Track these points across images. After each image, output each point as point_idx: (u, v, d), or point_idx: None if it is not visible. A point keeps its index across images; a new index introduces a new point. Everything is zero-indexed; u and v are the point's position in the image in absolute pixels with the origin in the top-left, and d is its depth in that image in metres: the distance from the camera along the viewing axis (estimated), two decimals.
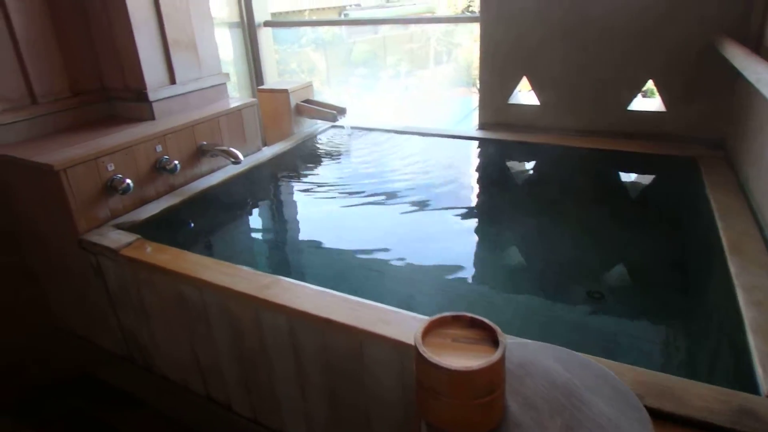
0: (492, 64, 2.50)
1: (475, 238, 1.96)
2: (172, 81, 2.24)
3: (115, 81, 2.23)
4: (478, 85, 2.59)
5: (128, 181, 1.88)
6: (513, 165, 2.47)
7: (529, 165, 2.47)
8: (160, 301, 1.70)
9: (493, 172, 2.42)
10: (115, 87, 2.24)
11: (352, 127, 2.79)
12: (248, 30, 3.07)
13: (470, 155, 2.54)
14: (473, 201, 2.22)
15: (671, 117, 2.26)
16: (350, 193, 2.25)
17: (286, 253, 1.99)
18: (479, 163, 2.48)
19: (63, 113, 2.14)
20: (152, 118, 2.17)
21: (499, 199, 2.22)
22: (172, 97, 2.23)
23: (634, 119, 2.32)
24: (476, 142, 2.54)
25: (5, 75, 1.96)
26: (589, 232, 1.87)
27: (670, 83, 2.23)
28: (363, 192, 2.25)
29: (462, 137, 2.57)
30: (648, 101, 2.40)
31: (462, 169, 2.47)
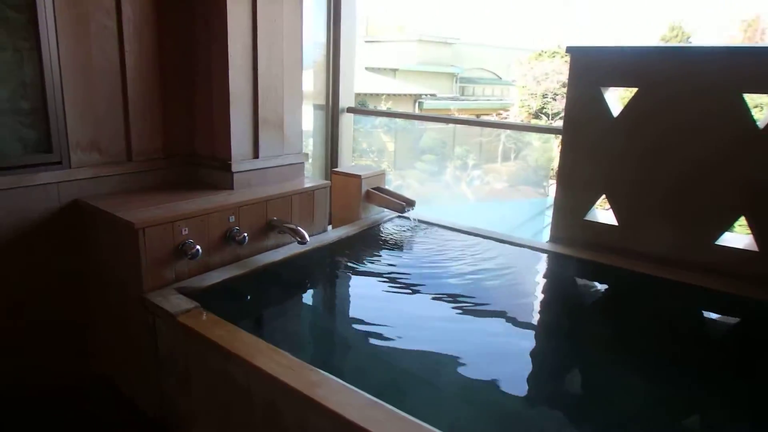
0: (570, 177, 2.47)
1: (533, 358, 1.84)
2: (256, 155, 2.35)
3: (204, 148, 2.36)
4: (553, 197, 2.55)
5: (198, 247, 1.93)
6: (582, 286, 2.35)
7: (601, 288, 2.35)
8: (206, 374, 1.67)
9: (559, 290, 2.31)
10: (203, 154, 2.37)
11: (419, 220, 2.78)
12: (331, 113, 3.23)
13: (538, 267, 2.45)
14: (534, 316, 2.11)
15: (763, 259, 2.11)
16: (410, 287, 2.20)
17: (337, 344, 1.94)
18: (546, 278, 2.39)
19: (153, 172, 2.27)
20: (231, 187, 2.26)
21: (562, 321, 2.10)
22: (252, 170, 2.33)
23: (721, 254, 2.18)
24: (545, 255, 2.46)
25: (112, 132, 2.12)
26: (662, 381, 1.69)
27: (763, 223, 2.10)
28: (422, 287, 2.20)
29: (532, 248, 2.50)
30: (737, 236, 2.26)
31: (527, 279, 2.38)
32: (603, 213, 2.51)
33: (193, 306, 1.76)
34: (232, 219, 2.08)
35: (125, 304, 1.96)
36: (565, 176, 2.48)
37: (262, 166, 2.36)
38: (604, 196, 2.41)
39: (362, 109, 3.29)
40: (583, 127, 2.42)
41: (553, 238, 2.53)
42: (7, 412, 1.98)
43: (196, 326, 1.66)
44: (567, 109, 2.45)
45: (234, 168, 2.24)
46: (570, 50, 2.42)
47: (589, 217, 2.46)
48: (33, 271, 1.98)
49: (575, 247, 2.44)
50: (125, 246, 1.86)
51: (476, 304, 2.09)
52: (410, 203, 2.72)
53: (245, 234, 2.09)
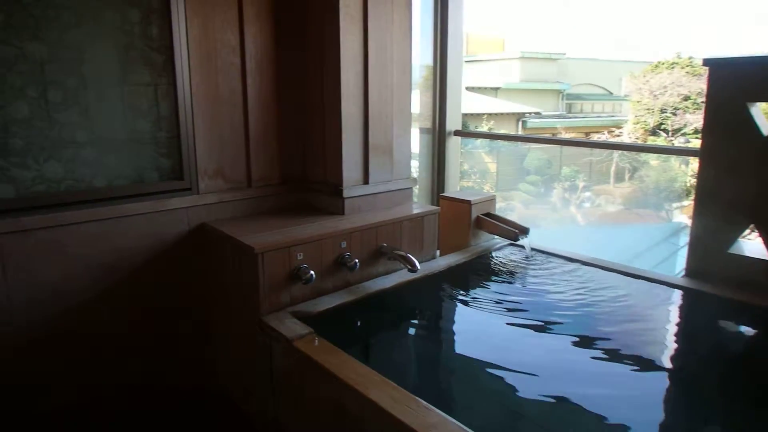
0: (710, 204, 2.20)
1: (671, 408, 1.62)
2: (366, 181, 2.37)
3: (317, 174, 2.43)
4: (690, 225, 2.29)
5: (312, 272, 1.96)
6: (725, 329, 2.06)
7: (749, 333, 2.04)
8: (319, 401, 1.67)
9: (697, 334, 2.04)
10: (316, 180, 2.43)
11: (533, 249, 2.63)
12: (438, 137, 3.19)
13: (671, 305, 2.19)
14: (667, 361, 1.87)
15: None
16: (524, 320, 2.07)
17: (446, 377, 1.86)
18: (682, 318, 2.13)
19: (270, 197, 2.37)
20: (342, 212, 2.29)
21: (703, 372, 1.83)
22: (363, 195, 2.35)
23: None
24: (680, 292, 2.20)
25: (234, 159, 2.25)
26: None
27: None
28: (537, 321, 2.06)
29: (664, 282, 2.25)
30: None
31: (658, 318, 2.13)
32: (751, 244, 2.20)
33: (308, 331, 1.79)
34: (344, 245, 2.10)
35: (243, 324, 2.04)
36: (705, 202, 2.22)
37: (371, 191, 2.37)
38: (752, 225, 2.11)
39: (470, 131, 3.22)
40: (725, 147, 2.15)
41: (690, 272, 2.26)
42: (130, 415, 2.13)
43: (311, 353, 1.67)
44: (706, 127, 2.19)
45: (345, 193, 2.27)
46: (708, 62, 2.17)
47: (734, 249, 2.16)
48: (164, 288, 2.14)
49: (716, 284, 2.16)
50: (246, 269, 1.94)
51: (598, 344, 1.90)
52: (523, 231, 2.58)
53: (356, 260, 2.10)
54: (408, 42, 2.41)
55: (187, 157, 2.11)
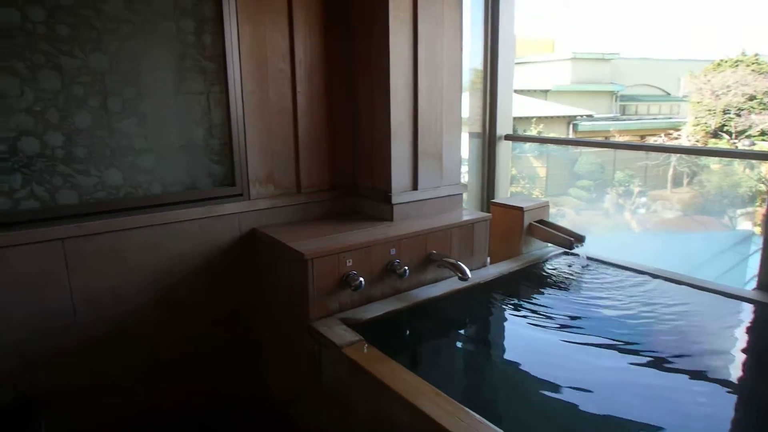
0: None
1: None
2: (415, 187, 2.33)
3: (365, 180, 2.41)
4: (761, 234, 2.12)
5: (361, 279, 1.94)
6: None
7: None
8: (368, 408, 1.65)
9: None
10: (365, 186, 2.42)
11: (589, 258, 2.52)
12: (488, 141, 3.11)
13: (740, 319, 2.04)
14: (736, 383, 1.73)
15: None
16: (579, 334, 1.97)
17: (497, 389, 1.79)
18: (751, 335, 1.97)
19: (319, 203, 2.37)
20: (391, 219, 2.26)
21: None
22: (411, 202, 2.31)
23: None
24: (751, 306, 2.04)
25: (284, 166, 2.26)
26: None
27: None
28: (593, 335, 1.95)
29: (732, 295, 2.10)
30: None
31: (726, 334, 1.98)
32: None
33: (357, 339, 1.76)
34: (393, 252, 2.07)
35: (292, 329, 2.04)
36: None
37: (420, 197, 2.33)
38: None
39: (521, 136, 3.13)
40: None
41: (763, 285, 2.09)
42: (179, 417, 2.17)
43: (360, 360, 1.65)
44: None
45: (394, 200, 2.24)
46: None
47: None
48: (216, 292, 2.17)
49: None
50: (296, 274, 1.94)
51: (658, 362, 1.78)
52: (579, 239, 2.47)
53: (406, 267, 2.06)
54: (459, 44, 2.36)
55: (239, 163, 2.14)
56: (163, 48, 1.95)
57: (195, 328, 2.14)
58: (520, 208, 2.54)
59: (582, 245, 2.50)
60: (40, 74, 1.73)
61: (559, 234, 2.50)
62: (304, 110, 2.27)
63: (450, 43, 2.32)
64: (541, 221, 2.60)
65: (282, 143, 2.24)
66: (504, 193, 3.09)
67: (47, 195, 1.81)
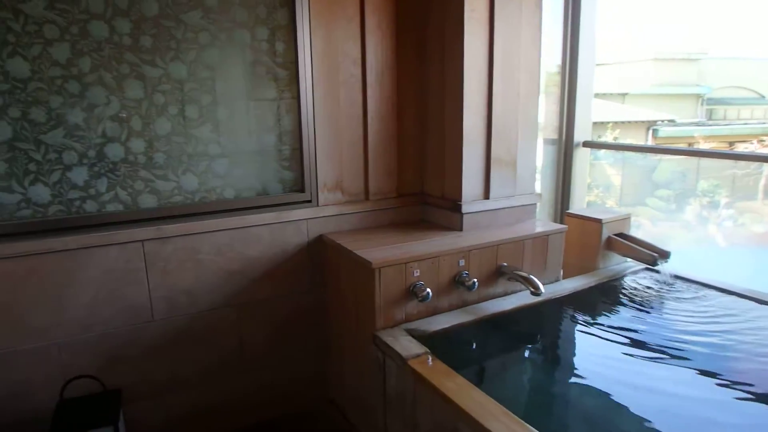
0: None
1: None
2: (486, 196, 2.24)
3: (435, 188, 2.35)
4: None
5: (429, 290, 1.88)
6: None
7: None
8: (432, 424, 1.59)
9: None
10: (433, 194, 2.36)
11: (675, 276, 2.32)
12: (564, 148, 2.96)
13: None
14: None
15: None
16: (660, 359, 1.81)
17: (571, 417, 1.66)
18: None
19: (386, 211, 2.34)
20: (460, 229, 2.19)
21: None
22: (482, 211, 2.22)
23: None
24: None
25: (353, 172, 2.25)
26: None
27: None
28: (677, 362, 1.78)
29: None
30: None
31: None
32: None
33: (423, 351, 1.71)
34: (462, 263, 2.00)
35: (358, 338, 2.02)
36: None
37: (492, 207, 2.24)
38: None
39: (601, 143, 2.95)
40: None
41: None
42: (246, 414, 2.19)
43: (426, 374, 1.59)
44: None
45: (464, 209, 2.17)
46: None
47: None
48: (283, 296, 2.19)
49: None
50: (362, 283, 1.92)
51: (751, 394, 1.59)
52: (663, 255, 2.29)
53: (475, 279, 1.98)
54: (537, 46, 2.25)
55: (309, 169, 2.15)
56: (238, 56, 1.99)
57: (261, 331, 2.17)
58: (599, 220, 2.39)
59: (667, 261, 2.31)
60: (125, 83, 1.81)
61: (642, 249, 2.33)
62: (374, 116, 2.25)
63: (528, 45, 2.22)
64: (621, 234, 2.43)
65: (351, 150, 2.23)
66: (580, 204, 2.92)
67: (129, 199, 1.89)
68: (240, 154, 2.06)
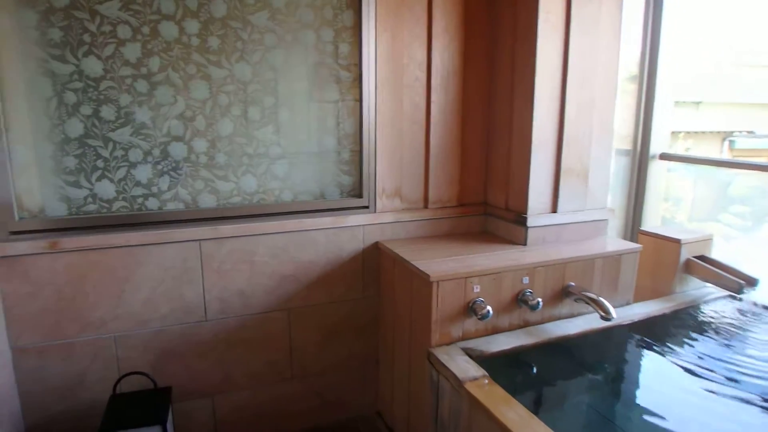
0: None
1: None
2: (554, 209, 2.11)
3: (498, 199, 2.23)
4: None
5: (489, 307, 1.77)
6: None
7: None
8: None
9: None
10: (497, 204, 2.24)
11: (765, 307, 2.10)
12: (639, 160, 2.76)
13: None
14: None
15: None
16: (744, 396, 1.62)
17: None
18: None
19: (446, 220, 2.24)
20: (524, 243, 2.06)
21: None
22: (549, 226, 2.09)
23: None
24: None
25: (412, 179, 2.17)
26: None
27: None
28: (761, 400, 1.59)
29: None
30: None
31: None
32: None
33: (481, 374, 1.60)
34: (526, 281, 1.87)
35: (411, 352, 1.94)
36: None
37: (560, 221, 2.10)
38: None
39: (681, 156, 2.73)
40: None
41: None
42: (293, 420, 2.16)
43: (484, 400, 1.49)
44: None
45: (529, 222, 2.04)
46: None
47: None
48: (336, 303, 2.14)
49: None
50: (419, 296, 1.84)
51: None
52: (750, 282, 2.07)
53: (539, 299, 1.86)
54: (617, 49, 2.09)
55: (368, 174, 2.09)
56: (302, 57, 1.96)
57: (312, 337, 2.13)
58: (677, 241, 2.20)
59: (754, 289, 2.09)
60: (191, 83, 1.81)
61: (725, 274, 2.12)
62: (437, 121, 2.16)
63: (606, 50, 2.07)
64: (701, 257, 2.23)
65: (412, 155, 2.15)
66: (654, 221, 2.72)
67: (189, 198, 1.89)
68: (299, 156, 2.02)
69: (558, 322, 1.95)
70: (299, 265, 2.04)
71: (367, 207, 2.11)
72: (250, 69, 1.88)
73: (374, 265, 2.16)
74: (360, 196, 2.10)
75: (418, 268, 1.81)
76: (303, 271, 2.05)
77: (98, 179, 1.78)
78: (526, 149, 2.03)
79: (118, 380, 1.77)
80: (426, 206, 2.22)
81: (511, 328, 1.89)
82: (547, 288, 1.92)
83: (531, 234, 2.06)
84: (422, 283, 1.78)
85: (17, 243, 1.67)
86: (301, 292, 2.07)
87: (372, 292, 2.18)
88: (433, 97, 2.14)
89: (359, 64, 2.00)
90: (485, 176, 2.30)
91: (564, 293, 1.95)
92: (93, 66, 1.70)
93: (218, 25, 1.81)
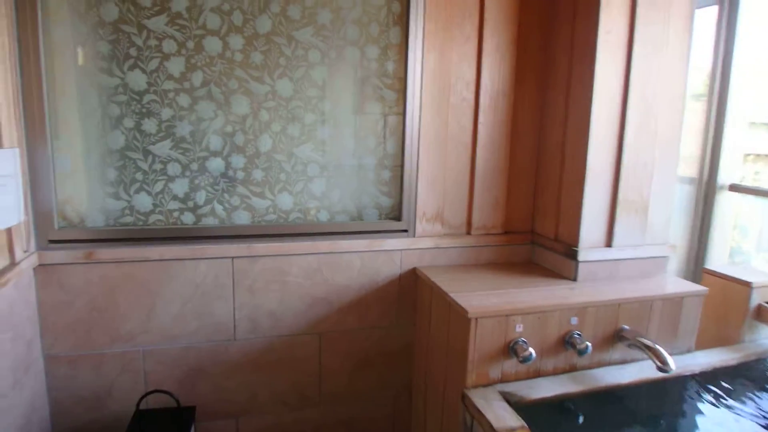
0: None
1: None
2: (608, 243, 1.94)
3: (546, 228, 2.09)
4: None
5: (531, 350, 1.63)
6: None
7: None
8: None
9: None
10: (544, 234, 2.10)
11: None
12: (705, 191, 2.54)
13: None
14: None
15: None
16: None
17: None
18: None
19: (489, 248, 2.12)
20: (574, 279, 1.91)
21: None
22: (603, 261, 1.93)
23: None
24: None
25: (455, 203, 2.06)
26: None
27: None
28: None
29: None
30: None
31: None
32: None
33: (519, 425, 1.46)
34: (575, 321, 1.72)
35: (445, 390, 1.82)
36: None
37: (614, 257, 1.94)
38: None
39: (754, 188, 2.48)
40: None
41: None
42: None
43: None
44: None
45: (581, 256, 1.89)
46: None
47: None
48: (369, 329, 2.04)
49: None
50: (455, 331, 1.72)
51: None
52: None
53: (588, 343, 1.70)
54: (684, 70, 1.92)
55: (408, 197, 1.99)
56: (345, 74, 1.90)
57: (342, 363, 2.04)
58: (747, 283, 1.98)
59: None
60: (233, 99, 1.79)
61: None
62: (484, 143, 2.05)
63: (673, 69, 1.90)
64: None
65: (456, 179, 2.05)
66: (720, 258, 2.48)
67: (225, 213, 1.86)
68: (338, 175, 1.96)
69: (608, 369, 1.78)
70: (332, 288, 1.97)
71: (406, 231, 2.02)
72: (292, 85, 1.83)
73: (411, 291, 2.06)
74: (399, 219, 2.01)
75: (456, 301, 1.69)
76: (336, 295, 1.98)
77: (136, 191, 1.77)
78: (580, 177, 1.89)
79: (142, 397, 1.74)
80: (469, 232, 2.10)
81: (555, 373, 1.74)
82: (598, 330, 1.76)
83: (582, 269, 1.91)
84: (459, 318, 1.67)
85: (55, 252, 1.68)
86: (332, 316, 1.99)
87: (407, 319, 2.08)
88: (481, 118, 2.03)
89: (404, 83, 1.92)
90: (534, 203, 2.16)
91: (616, 337, 1.78)
92: (137, 79, 1.70)
93: (262, 40, 1.77)
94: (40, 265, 1.68)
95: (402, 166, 1.98)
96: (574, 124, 1.92)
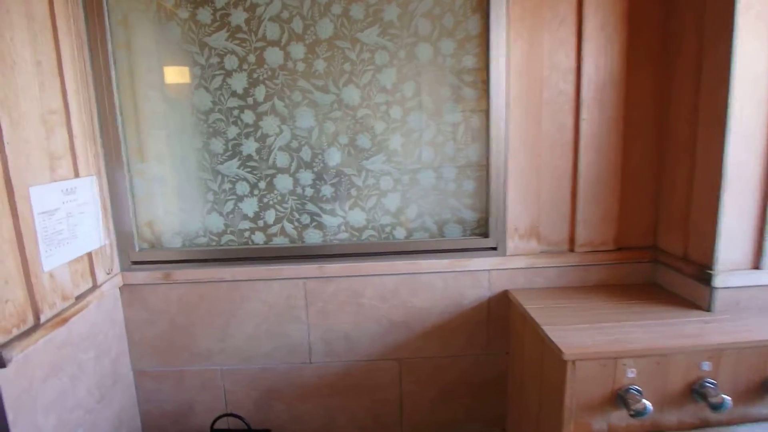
0: None
1: None
2: (756, 264, 1.52)
3: (672, 244, 1.70)
4: None
5: (646, 402, 1.30)
6: None
7: None
8: None
9: None
10: (670, 251, 1.71)
11: None
12: None
13: None
14: None
15: None
16: None
17: None
18: None
19: (598, 268, 1.79)
20: (708, 309, 1.52)
21: None
22: (749, 287, 1.51)
23: None
24: None
25: (554, 216, 1.77)
26: None
27: None
28: None
29: None
30: None
31: None
32: None
33: None
34: (707, 367, 1.35)
35: (540, 429, 1.55)
36: None
37: (765, 282, 1.51)
38: None
39: None
40: None
41: None
42: None
43: None
44: None
45: (718, 281, 1.49)
46: None
47: None
48: (453, 357, 1.83)
49: None
50: (549, 372, 1.45)
51: None
52: None
53: (725, 396, 1.32)
54: None
55: (496, 210, 1.74)
56: (417, 76, 1.70)
57: (425, 392, 1.85)
58: None
59: None
60: (297, 111, 1.68)
61: None
62: (589, 143, 1.72)
63: None
64: None
65: (554, 187, 1.75)
66: None
67: (295, 233, 1.77)
68: (414, 188, 1.77)
69: (752, 427, 1.38)
70: (411, 312, 1.79)
71: (494, 248, 1.77)
72: (358, 92, 1.68)
73: (503, 316, 1.80)
74: (486, 235, 1.77)
75: (549, 337, 1.42)
76: (416, 319, 1.79)
77: (208, 212, 1.74)
78: (715, 182, 1.49)
79: (215, 420, 1.71)
80: (571, 249, 1.79)
81: (680, 429, 1.38)
82: (739, 379, 1.37)
83: (719, 297, 1.51)
84: (554, 357, 1.39)
85: (137, 273, 1.71)
86: (412, 342, 1.81)
87: (498, 348, 1.83)
88: (583, 115, 1.70)
89: (486, 79, 1.67)
90: (655, 214, 1.78)
91: (764, 388, 1.37)
92: (203, 99, 1.66)
93: (324, 46, 1.64)
94: (126, 285, 1.72)
95: (488, 174, 1.74)
96: (707, 118, 1.52)
